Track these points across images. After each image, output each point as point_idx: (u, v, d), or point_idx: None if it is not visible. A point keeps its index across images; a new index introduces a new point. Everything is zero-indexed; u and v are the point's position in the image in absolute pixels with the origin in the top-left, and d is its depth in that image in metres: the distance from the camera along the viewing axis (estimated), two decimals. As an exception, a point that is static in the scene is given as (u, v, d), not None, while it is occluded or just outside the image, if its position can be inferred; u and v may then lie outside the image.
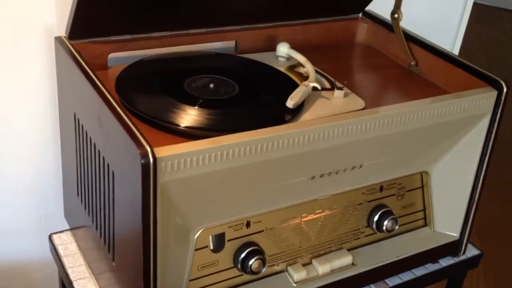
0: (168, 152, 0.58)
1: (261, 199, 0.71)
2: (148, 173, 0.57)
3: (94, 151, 0.70)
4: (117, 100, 0.65)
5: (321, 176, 0.73)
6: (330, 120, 0.68)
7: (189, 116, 0.70)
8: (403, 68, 0.93)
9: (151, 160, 0.56)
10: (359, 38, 1.01)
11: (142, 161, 0.56)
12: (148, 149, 0.57)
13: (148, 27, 0.83)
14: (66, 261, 0.83)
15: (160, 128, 0.68)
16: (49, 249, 0.89)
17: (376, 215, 0.82)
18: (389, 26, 0.96)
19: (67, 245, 0.86)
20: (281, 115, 0.73)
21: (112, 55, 0.81)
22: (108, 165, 0.66)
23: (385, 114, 0.71)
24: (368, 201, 0.82)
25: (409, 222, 0.88)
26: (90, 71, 0.69)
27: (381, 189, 0.83)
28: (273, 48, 0.93)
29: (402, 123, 0.73)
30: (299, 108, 0.75)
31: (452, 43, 1.31)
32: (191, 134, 0.67)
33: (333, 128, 0.67)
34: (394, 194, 0.85)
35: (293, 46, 0.88)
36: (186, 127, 0.67)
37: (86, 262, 0.83)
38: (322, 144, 0.68)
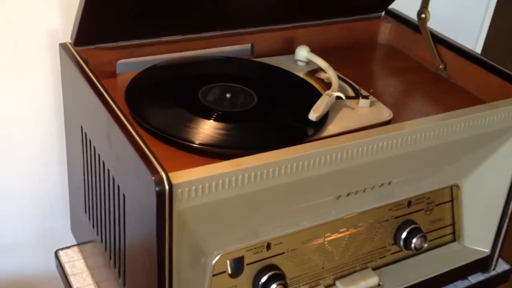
0: (185, 177, 0.53)
1: (283, 221, 0.66)
2: (164, 201, 0.52)
3: (103, 169, 0.65)
4: (127, 115, 0.60)
5: (348, 195, 0.67)
6: (359, 137, 0.62)
7: (204, 131, 0.64)
8: (430, 71, 0.87)
9: (167, 187, 0.51)
10: (382, 38, 0.95)
11: (157, 189, 0.51)
12: (163, 175, 0.51)
13: (158, 31, 0.77)
14: (74, 280, 0.79)
15: (173, 144, 0.63)
16: (54, 263, 0.84)
17: (403, 232, 0.77)
18: (414, 26, 0.90)
19: (74, 262, 0.81)
20: (303, 129, 0.67)
21: (121, 61, 0.76)
22: (118, 186, 0.61)
23: (417, 129, 0.65)
24: (395, 217, 0.77)
25: (437, 238, 0.83)
26: (98, 83, 0.64)
27: (409, 204, 0.77)
28: (291, 51, 0.87)
29: (435, 137, 0.67)
30: (323, 120, 0.69)
31: (475, 40, 1.25)
32: (206, 151, 0.62)
33: (362, 145, 0.62)
34: (422, 209, 0.79)
35: (312, 48, 0.83)
36: (200, 144, 0.62)
37: (95, 281, 0.79)
38: (350, 163, 0.62)
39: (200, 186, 0.53)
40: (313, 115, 0.68)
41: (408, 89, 0.83)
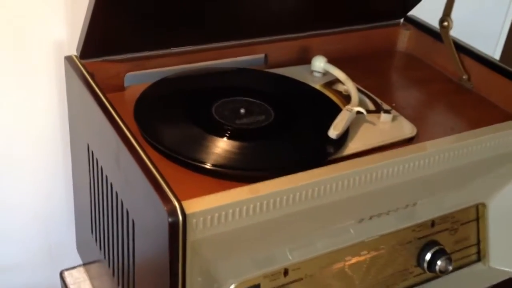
0: (199, 206, 0.49)
1: (302, 246, 0.62)
2: (177, 232, 0.48)
3: (110, 191, 0.61)
4: (136, 133, 0.56)
5: (370, 218, 0.63)
6: (383, 158, 0.58)
7: (218, 151, 0.60)
8: (453, 82, 0.83)
9: (180, 218, 0.47)
10: (401, 46, 0.91)
11: (170, 220, 0.47)
12: (177, 205, 0.47)
13: (168, 41, 0.73)
14: (80, 303, 0.75)
15: (185, 165, 0.59)
16: (59, 282, 0.81)
17: (427, 253, 0.73)
18: (435, 33, 0.86)
19: (80, 284, 0.78)
20: (323, 148, 0.63)
21: (129, 74, 0.72)
22: (127, 211, 0.57)
23: (446, 148, 0.61)
24: (418, 238, 0.73)
25: (461, 258, 0.79)
26: (106, 100, 0.60)
27: (433, 224, 0.73)
28: (306, 61, 0.83)
29: (464, 156, 0.64)
30: (343, 138, 0.65)
31: (494, 45, 1.21)
32: (220, 172, 0.58)
33: (387, 167, 0.58)
34: (447, 229, 0.75)
35: (328, 57, 0.79)
36: (214, 165, 0.58)
37: (102, 304, 0.75)
38: (374, 185, 0.58)
39: (216, 215, 0.50)
40: (333, 133, 0.64)
41: (431, 101, 0.79)
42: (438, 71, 0.86)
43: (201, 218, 0.49)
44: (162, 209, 0.47)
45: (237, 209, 0.50)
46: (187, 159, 0.58)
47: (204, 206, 0.49)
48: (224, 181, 0.58)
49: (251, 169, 0.58)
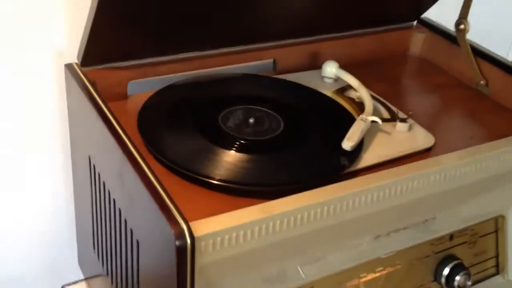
0: (208, 228, 0.46)
1: (315, 265, 0.59)
2: (185, 256, 0.45)
3: (113, 208, 0.58)
4: (141, 146, 0.53)
5: (388, 234, 0.60)
6: (403, 173, 0.55)
7: (226, 164, 0.57)
8: (470, 88, 0.80)
9: (189, 241, 0.44)
10: (414, 50, 0.87)
11: (177, 243, 0.44)
12: (185, 227, 0.44)
13: (173, 47, 0.70)
14: (82, 321, 0.72)
15: (191, 180, 0.56)
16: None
17: (445, 268, 0.70)
18: (450, 37, 0.83)
19: (83, 299, 0.75)
20: (337, 161, 0.60)
21: (132, 81, 0.69)
22: (131, 230, 0.54)
23: (466, 162, 0.58)
24: (436, 252, 0.70)
25: (480, 271, 0.76)
26: (109, 112, 0.57)
27: (451, 237, 0.70)
28: (316, 65, 0.80)
29: (486, 169, 0.60)
30: (358, 149, 0.62)
31: (508, 46, 1.17)
32: (229, 188, 0.55)
33: (407, 181, 0.55)
34: (465, 242, 0.72)
35: (339, 62, 0.75)
36: (222, 181, 0.55)
37: (105, 321, 0.72)
38: (393, 201, 0.55)
39: (226, 237, 0.46)
40: (347, 144, 0.61)
41: (447, 108, 0.76)
42: (454, 76, 0.82)
43: (211, 241, 0.46)
44: (169, 231, 0.44)
45: (249, 230, 0.47)
46: (195, 174, 0.55)
47: (214, 227, 0.46)
48: (233, 197, 0.55)
49: (261, 184, 0.55)
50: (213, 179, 0.55)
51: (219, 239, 0.46)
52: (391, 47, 0.86)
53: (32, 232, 0.80)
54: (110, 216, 0.59)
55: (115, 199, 0.57)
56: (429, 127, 0.68)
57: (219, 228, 0.46)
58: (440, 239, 0.69)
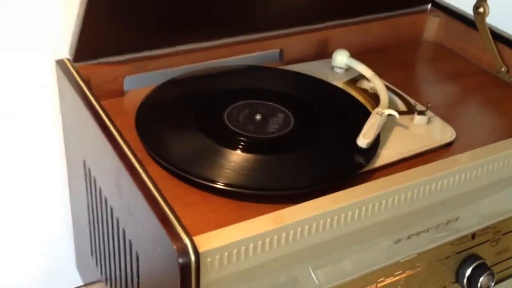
0: (214, 243, 0.41)
1: (330, 272, 0.54)
2: (189, 274, 0.40)
3: (111, 217, 0.53)
4: (140, 153, 0.48)
5: (409, 237, 0.56)
6: (426, 173, 0.50)
7: (232, 166, 0.52)
8: (489, 74, 0.75)
9: (193, 258, 0.40)
10: (428, 35, 0.82)
11: (180, 261, 0.40)
12: (188, 243, 0.40)
13: (172, 39, 0.65)
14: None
15: (195, 184, 0.51)
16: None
17: (467, 269, 0.65)
18: (468, 20, 0.78)
19: (83, 307, 0.71)
20: (352, 160, 0.55)
21: (129, 76, 0.65)
22: (130, 242, 0.50)
23: (494, 158, 0.53)
24: (457, 253, 0.65)
25: (502, 270, 0.71)
26: (103, 112, 0.52)
27: (473, 236, 0.66)
28: (325, 54, 0.75)
29: (514, 165, 0.56)
30: (374, 145, 0.57)
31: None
32: (235, 193, 0.51)
33: (431, 183, 0.50)
34: (488, 240, 0.67)
35: (350, 50, 0.70)
36: (227, 185, 0.51)
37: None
38: (415, 204, 0.50)
39: (234, 251, 0.42)
40: (363, 141, 0.56)
41: (466, 97, 0.71)
42: (472, 62, 0.77)
43: (217, 256, 0.41)
44: (171, 247, 0.40)
45: (259, 243, 0.43)
46: (197, 178, 0.51)
47: (221, 241, 0.41)
48: (240, 202, 0.50)
49: (271, 189, 0.51)
50: (218, 183, 0.50)
51: (226, 253, 0.42)
52: (404, 32, 0.81)
53: (29, 238, 0.76)
54: (108, 225, 0.54)
55: (112, 207, 0.52)
56: (448, 119, 0.63)
57: (227, 242, 0.41)
58: (462, 238, 0.65)
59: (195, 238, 0.41)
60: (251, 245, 0.42)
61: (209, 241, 0.41)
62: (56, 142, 0.70)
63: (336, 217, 0.45)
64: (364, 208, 0.47)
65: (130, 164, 0.46)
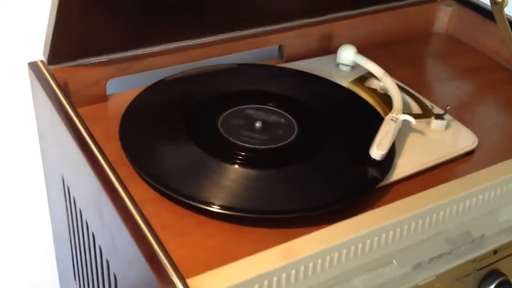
0: (213, 286, 0.35)
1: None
2: (183, 323, 0.34)
3: (93, 244, 0.47)
4: (124, 178, 0.42)
5: (430, 261, 0.50)
6: (454, 190, 0.44)
7: (228, 184, 0.46)
8: (508, 70, 0.69)
9: (186, 306, 0.34)
10: (440, 27, 0.76)
11: (172, 309, 0.33)
12: (180, 285, 0.34)
13: (160, 36, 0.58)
14: None
15: (185, 205, 0.45)
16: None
17: (489, 286, 0.60)
18: (482, 10, 0.71)
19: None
20: (366, 173, 0.49)
21: (112, 79, 0.58)
22: (115, 276, 0.43)
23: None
24: (478, 269, 0.60)
25: (525, 285, 0.66)
26: (81, 124, 0.46)
27: (495, 252, 0.60)
28: (329, 50, 0.69)
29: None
30: (390, 156, 0.51)
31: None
32: (234, 216, 0.44)
33: (459, 202, 0.44)
34: (510, 255, 0.62)
35: (355, 44, 0.64)
36: (222, 207, 0.44)
37: None
38: (441, 227, 0.44)
39: (237, 294, 0.36)
40: (377, 153, 0.49)
41: (483, 96, 0.64)
42: (488, 57, 0.71)
43: (216, 301, 0.35)
44: (161, 293, 0.34)
45: (266, 281, 0.36)
46: (191, 201, 0.44)
47: (220, 284, 0.35)
48: (241, 227, 0.44)
49: (276, 211, 0.44)
50: (213, 205, 0.44)
51: (227, 297, 0.35)
52: (413, 24, 0.74)
53: (11, 257, 0.70)
54: (90, 252, 0.48)
55: (94, 234, 0.46)
56: (466, 122, 0.57)
57: (227, 284, 0.35)
58: (483, 254, 0.59)
59: (190, 281, 0.34)
60: (256, 286, 0.36)
61: (206, 284, 0.35)
62: (35, 154, 0.63)
63: (352, 248, 0.39)
64: (384, 235, 0.41)
65: (112, 188, 0.39)
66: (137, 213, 0.37)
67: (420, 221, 0.42)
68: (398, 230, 0.41)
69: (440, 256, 0.50)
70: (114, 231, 0.39)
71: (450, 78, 0.67)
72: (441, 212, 0.43)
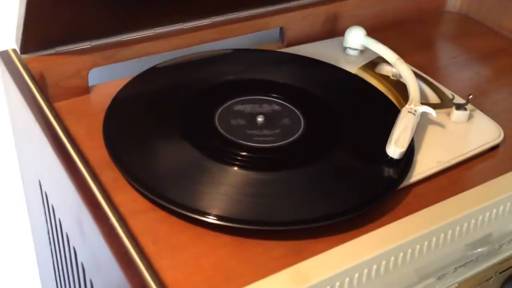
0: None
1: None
2: None
3: (75, 259, 0.41)
4: (107, 194, 0.36)
5: (455, 270, 0.45)
6: (487, 196, 0.38)
7: (226, 190, 0.40)
8: (529, 53, 0.63)
9: None
10: (452, 5, 0.70)
11: None
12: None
13: (150, 20, 0.52)
14: None
15: (178, 215, 0.39)
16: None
17: (511, 291, 0.55)
18: (500, -13, 0.65)
19: None
20: (383, 174, 0.43)
21: (95, 69, 0.52)
22: (100, 297, 0.38)
23: None
24: (500, 272, 0.55)
25: (548, 285, 0.61)
26: (58, 124, 0.40)
27: (519, 252, 0.55)
28: (334, 32, 0.63)
29: None
30: (409, 155, 0.45)
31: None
32: (234, 228, 0.39)
33: (492, 208, 0.39)
34: (534, 255, 0.57)
35: (364, 26, 0.58)
36: (220, 218, 0.38)
37: None
38: (472, 236, 0.39)
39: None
40: (395, 151, 0.44)
41: (502, 81, 0.59)
42: (506, 37, 0.65)
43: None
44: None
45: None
46: (185, 211, 0.39)
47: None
48: (243, 239, 0.39)
49: (284, 222, 0.39)
50: (210, 216, 0.38)
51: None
52: (425, 2, 0.68)
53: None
54: (72, 268, 0.42)
55: (76, 248, 0.40)
56: (489, 112, 0.52)
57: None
58: (506, 257, 0.54)
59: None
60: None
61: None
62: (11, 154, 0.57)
63: (374, 267, 0.34)
64: (410, 250, 0.35)
65: (93, 201, 0.34)
66: (124, 233, 0.32)
67: (450, 232, 0.37)
68: (426, 243, 0.36)
69: (465, 264, 0.45)
70: (97, 251, 0.34)
71: (467, 62, 0.61)
72: (473, 221, 0.38)
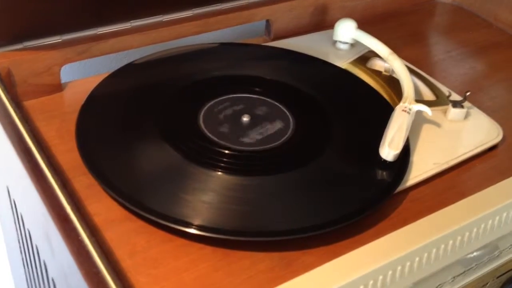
0: None
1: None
2: None
3: (46, 274, 0.38)
4: (77, 206, 0.33)
5: (453, 279, 0.42)
6: (492, 202, 0.36)
7: (210, 197, 0.38)
8: (527, 46, 0.61)
9: None
10: (445, -4, 0.67)
11: None
12: None
13: (126, 12, 0.49)
14: None
15: (158, 225, 0.36)
16: None
17: (511, 294, 0.53)
18: (495, -22, 0.63)
19: None
20: (377, 179, 0.41)
21: (68, 65, 0.48)
22: (72, 318, 0.35)
23: None
24: (498, 277, 0.53)
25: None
26: (23, 126, 0.36)
27: (517, 256, 0.53)
28: (323, 24, 0.60)
29: None
30: (404, 156, 0.42)
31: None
32: (219, 240, 0.36)
33: (495, 216, 0.36)
34: (531, 258, 0.55)
35: (354, 18, 0.55)
36: (203, 228, 0.35)
37: None
38: (475, 245, 0.37)
39: None
40: (389, 153, 0.41)
41: (505, 78, 0.56)
42: (503, 31, 0.62)
43: None
44: None
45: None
46: (162, 220, 0.36)
47: None
48: (228, 250, 0.36)
49: (272, 233, 0.36)
50: (192, 225, 0.35)
51: None
52: (417, -7, 0.66)
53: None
54: (44, 283, 0.39)
55: (46, 262, 0.37)
56: (487, 110, 0.49)
57: None
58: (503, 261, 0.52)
59: None
60: None
61: None
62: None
63: (371, 282, 0.31)
64: (408, 263, 0.33)
65: (61, 215, 0.30)
66: (95, 251, 0.29)
67: (450, 242, 0.34)
68: (426, 255, 0.33)
69: (464, 273, 0.43)
70: (67, 269, 0.31)
71: (462, 57, 0.59)
72: (475, 229, 0.35)
